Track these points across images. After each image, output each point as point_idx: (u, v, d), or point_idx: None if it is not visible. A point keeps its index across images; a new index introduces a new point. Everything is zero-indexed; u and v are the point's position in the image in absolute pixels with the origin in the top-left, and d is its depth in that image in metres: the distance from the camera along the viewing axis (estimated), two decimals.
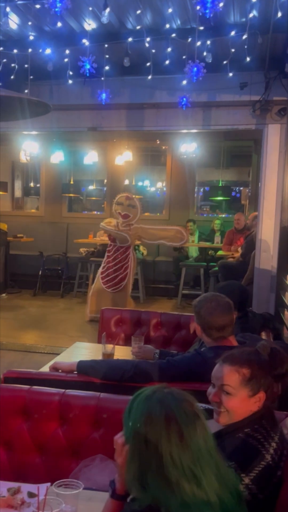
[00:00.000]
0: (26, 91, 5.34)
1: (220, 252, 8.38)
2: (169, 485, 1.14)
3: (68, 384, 2.47)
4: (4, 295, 9.12)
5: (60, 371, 2.68)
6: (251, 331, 3.09)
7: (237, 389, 1.74)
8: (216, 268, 7.76)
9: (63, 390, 2.27)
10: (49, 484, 1.68)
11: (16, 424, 2.22)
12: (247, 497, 1.51)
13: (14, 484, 1.82)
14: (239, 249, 7.44)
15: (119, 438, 1.39)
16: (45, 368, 2.84)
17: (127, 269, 6.86)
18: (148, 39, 4.73)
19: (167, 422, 1.18)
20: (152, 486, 1.17)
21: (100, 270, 6.99)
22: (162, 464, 1.15)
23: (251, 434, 1.67)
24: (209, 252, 9.07)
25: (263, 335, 3.29)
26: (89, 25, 4.76)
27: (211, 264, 8.51)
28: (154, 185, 12.78)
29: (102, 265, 7.01)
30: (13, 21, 4.78)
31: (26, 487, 1.79)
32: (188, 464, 1.15)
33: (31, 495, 1.73)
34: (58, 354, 3.59)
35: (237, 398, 1.74)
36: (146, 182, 12.25)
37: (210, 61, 4.49)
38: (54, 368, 2.71)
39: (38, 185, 11.46)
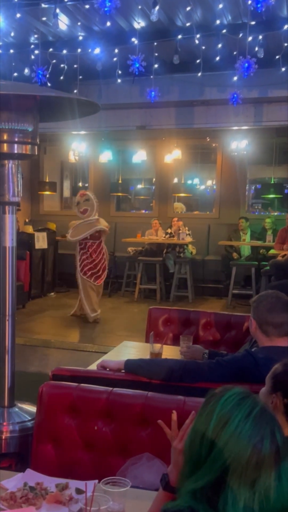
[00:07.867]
0: (75, 91, 5.41)
1: (272, 251, 8.21)
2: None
3: (116, 382, 2.47)
4: (52, 294, 9.27)
5: (107, 369, 2.68)
6: None
7: None
8: (268, 268, 7.61)
9: (110, 388, 2.27)
10: (96, 481, 1.68)
11: (64, 421, 2.23)
12: None
13: (62, 480, 1.83)
14: None
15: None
16: (93, 367, 2.83)
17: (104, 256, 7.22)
18: (198, 35, 4.70)
19: (276, 458, 1.17)
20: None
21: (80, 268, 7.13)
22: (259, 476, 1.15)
23: None
24: (261, 251, 8.91)
25: None
26: (138, 23, 4.77)
27: (263, 263, 8.34)
28: (204, 183, 12.66)
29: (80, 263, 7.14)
30: (63, 22, 4.85)
31: (74, 484, 1.80)
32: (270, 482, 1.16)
33: (79, 491, 1.74)
34: (105, 353, 3.59)
35: None
36: (196, 180, 12.15)
37: (261, 56, 4.41)
38: (102, 367, 2.70)
39: (86, 185, 11.57)
